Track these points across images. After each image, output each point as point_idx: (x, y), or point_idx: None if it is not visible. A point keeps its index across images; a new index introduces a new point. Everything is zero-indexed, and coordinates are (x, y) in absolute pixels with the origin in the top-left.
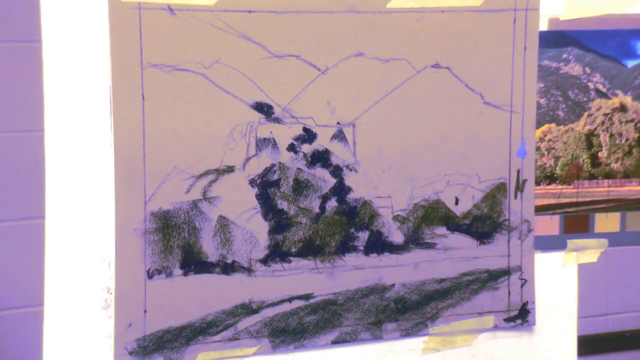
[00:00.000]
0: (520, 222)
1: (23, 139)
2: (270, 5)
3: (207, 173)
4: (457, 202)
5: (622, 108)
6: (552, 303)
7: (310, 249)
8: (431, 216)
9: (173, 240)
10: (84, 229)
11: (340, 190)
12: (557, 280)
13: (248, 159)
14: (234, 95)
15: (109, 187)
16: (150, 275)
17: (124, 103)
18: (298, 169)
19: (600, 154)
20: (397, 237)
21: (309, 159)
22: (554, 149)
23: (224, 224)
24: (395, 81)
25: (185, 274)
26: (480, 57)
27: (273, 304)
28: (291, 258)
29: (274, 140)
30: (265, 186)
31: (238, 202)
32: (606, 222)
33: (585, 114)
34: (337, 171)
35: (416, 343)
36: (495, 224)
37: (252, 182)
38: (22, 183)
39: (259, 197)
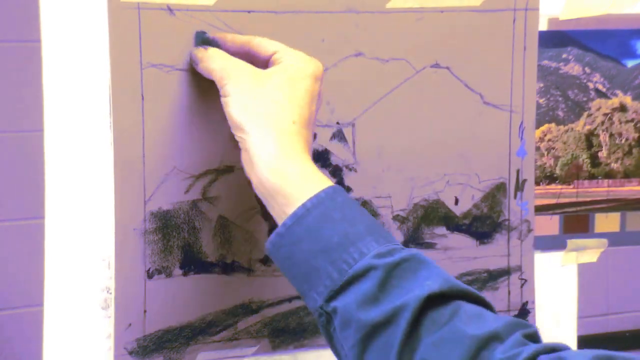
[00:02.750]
0: (520, 222)
1: (23, 139)
2: (270, 5)
3: (206, 173)
4: (457, 202)
5: (622, 108)
6: (552, 303)
7: None
8: (431, 216)
9: (173, 240)
10: (84, 229)
11: None
12: (557, 280)
13: None
14: None
15: (109, 187)
16: (150, 275)
17: (123, 103)
18: None
19: (600, 154)
20: (397, 237)
21: None
22: (553, 148)
23: (223, 224)
24: (395, 81)
25: (185, 274)
26: (480, 57)
27: (273, 304)
28: None
29: None
30: None
31: (237, 202)
32: (606, 222)
33: (585, 113)
34: (336, 171)
35: None
36: (495, 224)
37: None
38: (22, 183)
39: (258, 197)
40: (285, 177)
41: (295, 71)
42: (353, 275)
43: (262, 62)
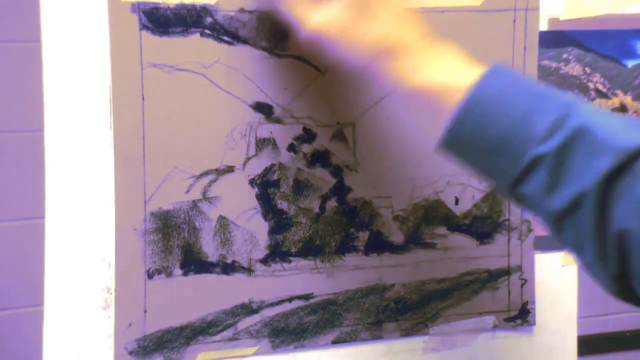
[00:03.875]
0: (520, 222)
1: (23, 139)
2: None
3: (207, 173)
4: (457, 202)
5: (622, 108)
6: (552, 303)
7: (310, 249)
8: (431, 216)
9: (173, 240)
10: (84, 229)
11: (340, 190)
12: (557, 280)
13: (248, 159)
14: (234, 95)
15: (109, 187)
16: (150, 275)
17: (123, 103)
18: (298, 169)
19: None
20: (397, 237)
21: (309, 159)
22: None
23: (223, 224)
24: None
25: (185, 274)
26: (481, 57)
27: (273, 304)
28: (291, 258)
29: (274, 140)
30: (265, 186)
31: (238, 202)
32: None
33: None
34: (337, 171)
35: (416, 343)
36: (495, 224)
37: (252, 182)
38: (22, 183)
39: (259, 197)
40: (429, 86)
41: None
42: (523, 169)
43: None
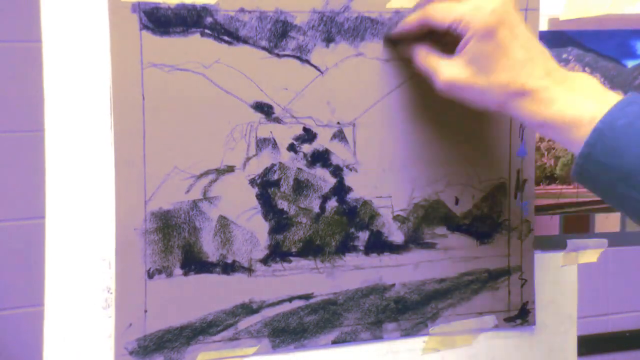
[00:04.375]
0: (520, 222)
1: (23, 139)
2: (270, 5)
3: (207, 173)
4: (457, 202)
5: None
6: (552, 303)
7: (311, 249)
8: (431, 216)
9: (173, 240)
10: (84, 229)
11: (341, 190)
12: (557, 280)
13: (248, 158)
14: (234, 95)
15: (109, 187)
16: (150, 275)
17: (124, 103)
18: (298, 168)
19: None
20: (398, 237)
21: (309, 159)
22: (554, 149)
23: (224, 224)
24: (395, 81)
25: (185, 274)
26: None
27: (273, 304)
28: (291, 258)
29: (274, 140)
30: (265, 186)
31: (238, 202)
32: (606, 222)
33: None
34: (337, 171)
35: (416, 343)
36: (495, 224)
37: (252, 182)
38: (22, 183)
39: (259, 197)
40: (559, 119)
41: (482, 43)
42: None
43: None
